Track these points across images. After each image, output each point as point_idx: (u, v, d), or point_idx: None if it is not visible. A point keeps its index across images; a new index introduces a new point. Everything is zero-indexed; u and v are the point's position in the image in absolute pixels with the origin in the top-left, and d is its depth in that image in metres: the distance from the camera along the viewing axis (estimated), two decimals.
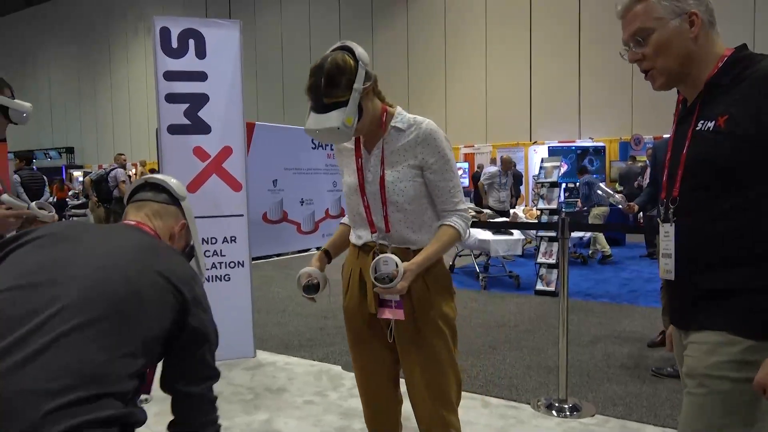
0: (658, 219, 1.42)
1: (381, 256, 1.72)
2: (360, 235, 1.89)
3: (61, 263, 1.18)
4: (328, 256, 2.01)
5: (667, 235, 1.38)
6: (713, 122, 1.28)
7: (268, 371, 3.80)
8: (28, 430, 0.95)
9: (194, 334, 1.28)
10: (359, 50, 1.70)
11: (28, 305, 1.09)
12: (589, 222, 8.18)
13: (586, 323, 5.01)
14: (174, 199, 1.54)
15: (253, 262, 8.34)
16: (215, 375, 1.35)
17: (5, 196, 2.15)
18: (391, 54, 15.81)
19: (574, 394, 3.37)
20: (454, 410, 1.87)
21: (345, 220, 2.06)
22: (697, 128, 1.32)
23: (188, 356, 1.29)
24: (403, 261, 1.75)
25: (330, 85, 1.64)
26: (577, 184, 9.36)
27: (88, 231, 1.32)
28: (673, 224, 1.36)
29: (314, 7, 17.30)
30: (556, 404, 3.22)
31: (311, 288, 1.88)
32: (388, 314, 1.81)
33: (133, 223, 1.45)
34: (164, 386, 1.30)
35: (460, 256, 7.65)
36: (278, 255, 9.35)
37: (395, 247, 1.81)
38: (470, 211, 7.06)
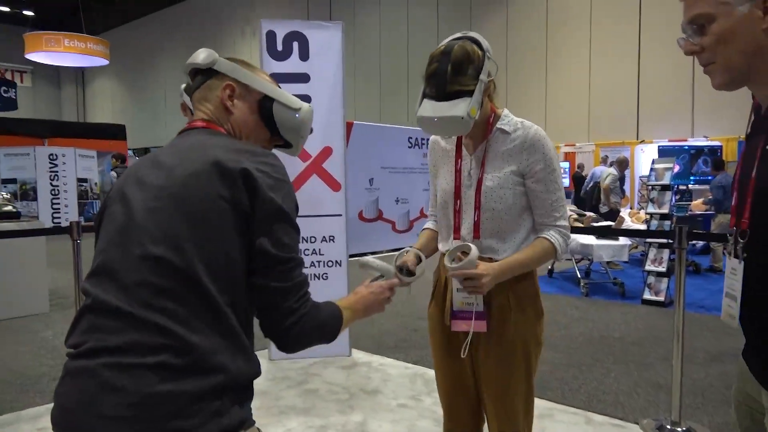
0: (725, 251, 1.16)
1: (459, 244, 1.64)
2: (447, 242, 1.79)
3: (117, 237, 1.11)
4: (418, 259, 1.89)
5: (734, 273, 1.13)
6: None
7: (363, 371, 3.82)
8: (137, 403, 0.97)
9: (263, 219, 1.11)
10: (485, 42, 1.62)
11: (103, 294, 1.06)
12: (712, 230, 7.56)
13: (700, 338, 4.65)
14: (207, 72, 1.30)
15: (349, 259, 8.44)
16: (292, 260, 1.14)
17: None
18: None
19: (688, 417, 3.12)
20: None
21: (429, 224, 1.96)
22: None
23: (259, 246, 1.11)
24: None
25: (457, 71, 1.54)
26: (709, 186, 8.43)
27: (136, 181, 1.17)
28: (743, 261, 1.11)
29: (412, 5, 17.31)
30: (668, 426, 2.99)
31: (405, 271, 1.71)
32: (463, 326, 1.70)
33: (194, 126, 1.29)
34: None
35: (559, 260, 7.37)
36: (373, 253, 9.44)
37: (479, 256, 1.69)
38: (572, 215, 6.76)
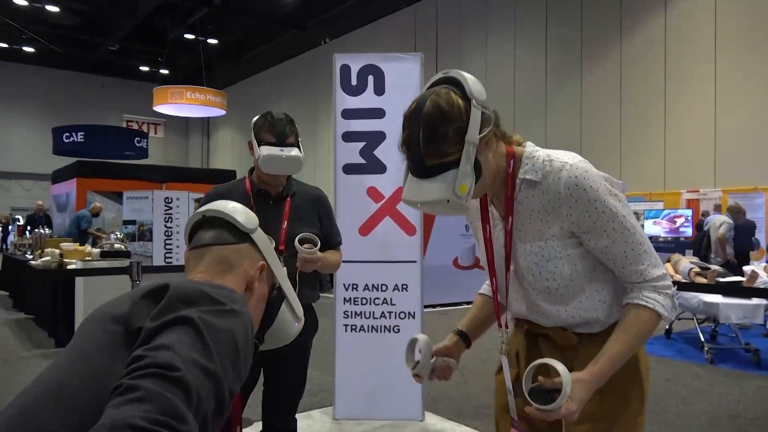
0: None
1: (539, 361, 1.19)
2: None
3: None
4: (465, 339, 1.48)
5: None
6: None
7: None
8: None
9: (149, 330, 0.79)
10: (470, 83, 1.18)
11: None
12: None
13: None
14: (242, 235, 1.14)
15: (441, 308, 7.98)
16: (173, 368, 0.72)
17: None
18: (602, 93, 14.70)
19: None
20: None
21: (485, 289, 1.56)
22: None
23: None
24: (564, 349, 1.27)
25: (432, 139, 1.15)
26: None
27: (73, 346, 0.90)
28: None
29: (519, 46, 16.91)
30: None
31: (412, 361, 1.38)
32: None
33: None
34: None
35: (679, 318, 6.45)
36: (469, 303, 8.92)
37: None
38: (694, 268, 5.91)
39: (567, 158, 1.24)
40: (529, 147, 1.30)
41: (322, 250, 2.21)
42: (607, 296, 1.28)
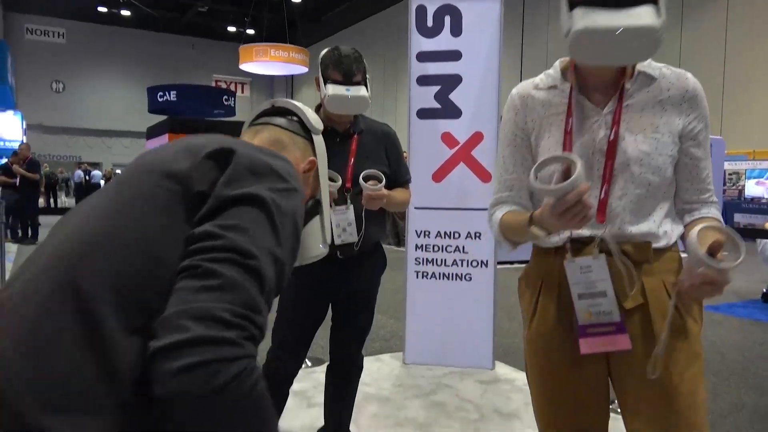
0: None
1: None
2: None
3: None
4: None
5: None
6: None
7: (503, 389, 3.30)
8: None
9: (216, 205, 0.74)
10: None
11: None
12: None
13: None
14: (306, 131, 1.13)
15: (518, 265, 7.84)
16: (249, 255, 0.69)
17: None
18: (704, 44, 13.57)
19: None
20: None
21: (508, 207, 1.42)
22: None
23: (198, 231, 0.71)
24: (635, 262, 1.23)
25: None
26: None
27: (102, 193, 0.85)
28: None
29: None
30: None
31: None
32: (594, 347, 1.21)
33: None
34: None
35: None
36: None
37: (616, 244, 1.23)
38: None
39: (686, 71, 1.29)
40: None
41: (390, 187, 2.17)
42: (671, 212, 1.30)
